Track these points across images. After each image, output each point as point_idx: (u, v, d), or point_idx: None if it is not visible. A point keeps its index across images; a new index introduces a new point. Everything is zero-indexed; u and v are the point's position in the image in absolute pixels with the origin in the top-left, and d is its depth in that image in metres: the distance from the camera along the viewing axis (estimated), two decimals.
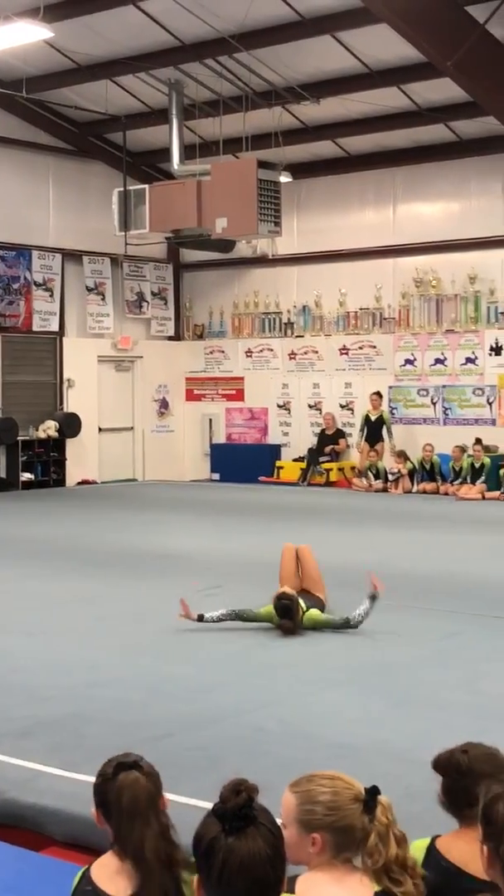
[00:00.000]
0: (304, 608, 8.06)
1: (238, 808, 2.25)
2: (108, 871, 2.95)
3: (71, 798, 4.73)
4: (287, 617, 7.89)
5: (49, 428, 19.93)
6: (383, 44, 15.42)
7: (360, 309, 20.28)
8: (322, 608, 8.28)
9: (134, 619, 8.77)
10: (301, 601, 8.08)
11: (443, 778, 3.16)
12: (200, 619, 8.08)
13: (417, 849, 3.13)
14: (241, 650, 7.71)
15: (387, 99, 17.08)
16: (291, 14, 15.30)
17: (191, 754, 5.39)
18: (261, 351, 21.51)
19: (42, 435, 19.87)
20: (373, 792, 2.60)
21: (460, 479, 18.26)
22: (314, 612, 8.12)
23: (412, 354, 19.71)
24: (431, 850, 3.09)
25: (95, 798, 3.06)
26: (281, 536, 13.53)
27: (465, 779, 3.06)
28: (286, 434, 21.17)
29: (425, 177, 19.33)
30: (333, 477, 19.80)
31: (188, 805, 4.34)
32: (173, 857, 2.90)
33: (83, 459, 20.50)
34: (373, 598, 7.88)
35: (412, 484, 18.78)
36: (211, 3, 14.96)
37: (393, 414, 19.69)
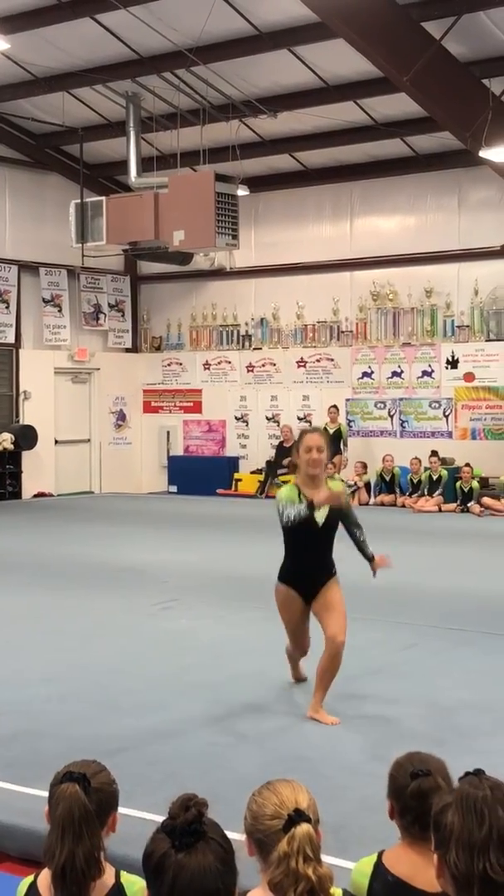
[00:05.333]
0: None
1: (187, 824, 2.23)
2: (48, 881, 2.91)
3: (25, 813, 4.69)
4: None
5: (5, 440, 19.79)
6: (340, 59, 15.54)
7: (318, 322, 20.37)
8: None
9: (89, 633, 8.72)
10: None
11: (396, 801, 3.18)
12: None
13: (365, 865, 3.14)
14: (196, 664, 7.69)
15: (343, 113, 17.18)
16: (248, 28, 15.36)
17: (145, 769, 5.37)
18: (218, 363, 21.52)
19: None
20: (294, 818, 2.56)
21: (418, 492, 18.37)
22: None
23: (369, 367, 19.81)
24: (378, 866, 3.09)
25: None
26: (238, 549, 13.58)
27: (415, 801, 3.08)
28: (244, 446, 21.19)
29: (382, 191, 19.47)
30: None
31: (143, 819, 4.33)
32: (93, 879, 2.82)
33: (39, 472, 20.38)
34: (370, 558, 6.88)
35: (369, 496, 18.86)
36: (168, 17, 14.99)
37: (350, 426, 19.77)
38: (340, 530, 6.59)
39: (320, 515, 6.36)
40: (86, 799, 2.87)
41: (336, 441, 19.42)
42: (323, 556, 6.53)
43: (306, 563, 6.50)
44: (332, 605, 6.43)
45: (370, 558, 6.80)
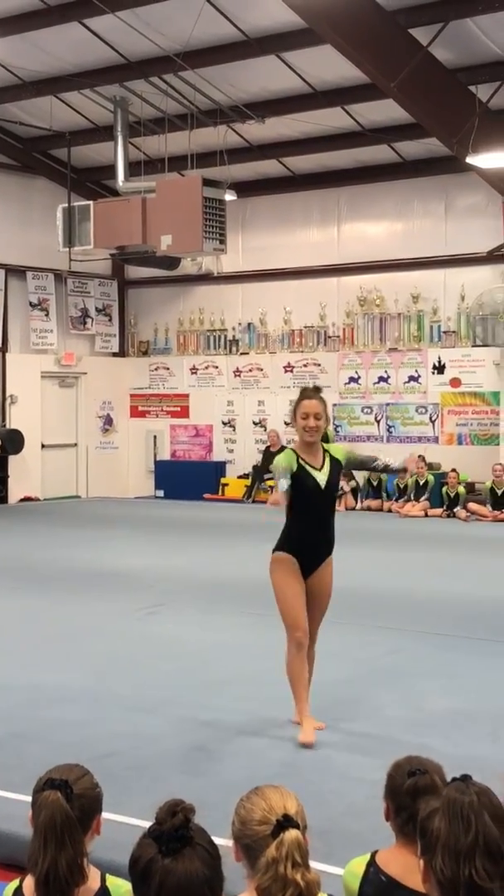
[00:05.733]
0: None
1: (174, 830, 2.23)
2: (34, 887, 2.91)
3: (10, 819, 4.67)
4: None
5: None
6: (328, 64, 15.56)
7: (305, 327, 20.39)
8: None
9: (76, 638, 8.70)
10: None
11: (392, 800, 3.18)
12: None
13: (356, 865, 3.15)
14: (182, 669, 7.68)
15: (331, 119, 17.22)
16: (237, 34, 15.38)
17: (132, 774, 5.36)
18: (206, 368, 21.53)
19: None
20: (283, 824, 2.57)
21: (405, 497, 18.40)
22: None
23: (356, 372, 19.84)
24: (371, 865, 3.11)
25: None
26: (225, 554, 13.57)
27: (411, 798, 3.08)
28: (231, 451, 21.19)
29: (369, 197, 19.51)
30: None
31: (130, 825, 4.32)
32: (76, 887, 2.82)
33: (26, 476, 20.34)
34: (402, 469, 7.18)
35: (356, 501, 18.89)
36: (156, 21, 15.00)
37: (337, 431, 19.79)
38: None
39: (322, 477, 6.20)
40: (68, 806, 2.85)
41: None
42: (327, 521, 6.30)
43: (311, 528, 6.25)
44: (322, 596, 6.31)
45: (402, 469, 7.10)
